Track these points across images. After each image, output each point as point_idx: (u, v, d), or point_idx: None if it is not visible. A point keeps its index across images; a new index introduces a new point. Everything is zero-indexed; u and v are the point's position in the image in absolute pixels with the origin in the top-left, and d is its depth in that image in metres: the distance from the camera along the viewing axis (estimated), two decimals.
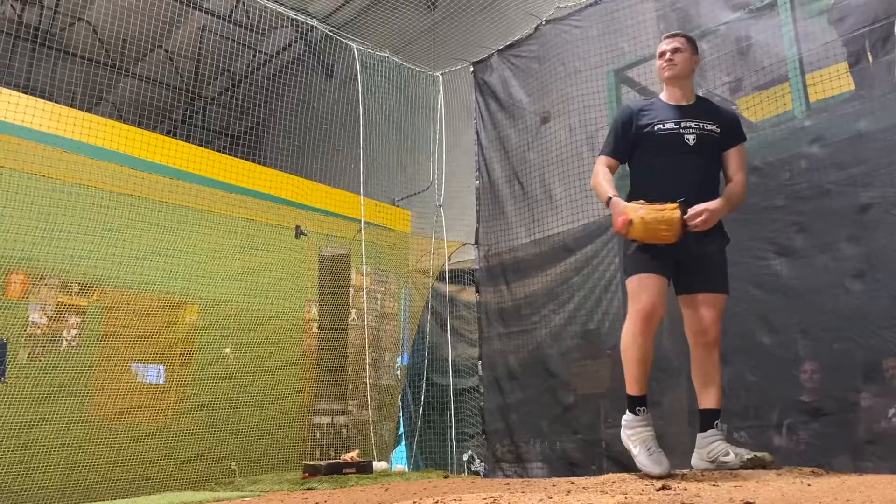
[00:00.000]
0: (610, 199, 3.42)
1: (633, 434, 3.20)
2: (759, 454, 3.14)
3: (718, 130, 3.52)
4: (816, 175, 4.14)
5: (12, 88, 6.38)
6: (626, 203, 3.35)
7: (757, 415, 4.17)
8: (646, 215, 3.25)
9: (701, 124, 3.51)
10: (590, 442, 5.13)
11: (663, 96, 3.66)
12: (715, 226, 3.44)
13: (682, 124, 3.51)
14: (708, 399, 3.29)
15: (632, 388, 3.28)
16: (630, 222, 3.26)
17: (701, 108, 3.63)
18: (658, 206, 3.27)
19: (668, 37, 3.68)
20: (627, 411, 3.29)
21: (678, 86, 3.61)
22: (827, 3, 4.36)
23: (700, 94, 4.05)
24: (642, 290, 3.32)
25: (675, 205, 3.26)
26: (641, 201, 3.31)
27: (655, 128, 3.50)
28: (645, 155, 3.53)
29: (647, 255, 3.35)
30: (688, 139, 3.48)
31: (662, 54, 3.62)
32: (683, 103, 3.60)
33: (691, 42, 3.65)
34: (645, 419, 3.23)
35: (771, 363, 4.14)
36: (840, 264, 3.96)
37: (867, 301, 3.82)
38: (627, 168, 3.74)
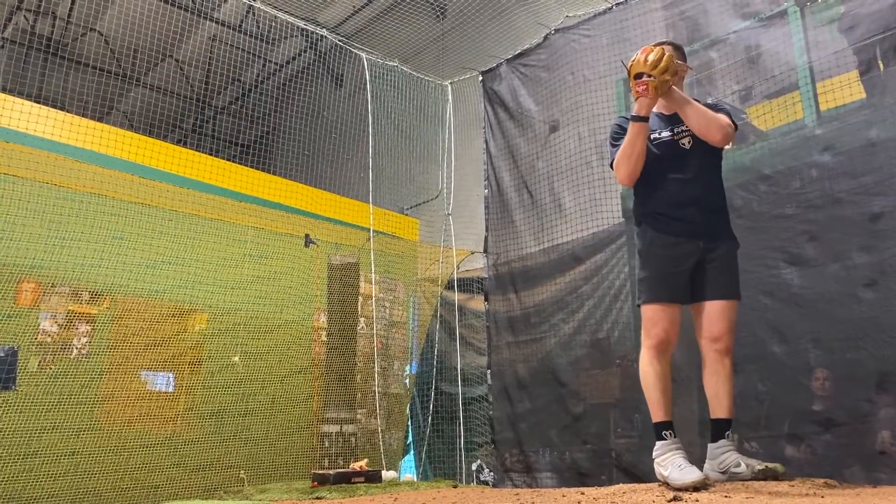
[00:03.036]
0: (635, 116, 3.36)
1: (664, 459, 3.14)
2: (770, 465, 3.10)
3: None
4: (827, 184, 4.13)
5: (25, 98, 6.43)
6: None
7: (768, 425, 4.14)
8: (634, 66, 3.29)
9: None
10: (600, 452, 5.10)
11: (654, 107, 3.65)
12: (724, 230, 3.44)
13: (676, 130, 3.50)
14: (720, 409, 3.26)
15: (656, 415, 3.26)
16: (639, 75, 3.28)
17: None
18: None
19: (655, 45, 3.68)
20: (656, 441, 3.24)
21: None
22: (837, 12, 4.35)
23: (710, 102, 4.02)
24: (655, 321, 3.31)
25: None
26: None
27: (651, 136, 3.49)
28: (645, 165, 3.48)
29: (661, 281, 3.34)
30: (683, 144, 3.47)
31: None
32: (675, 110, 3.60)
33: (679, 50, 3.64)
34: (673, 442, 3.19)
35: (782, 373, 4.11)
36: (852, 273, 3.93)
37: (879, 310, 3.80)
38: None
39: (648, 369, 3.30)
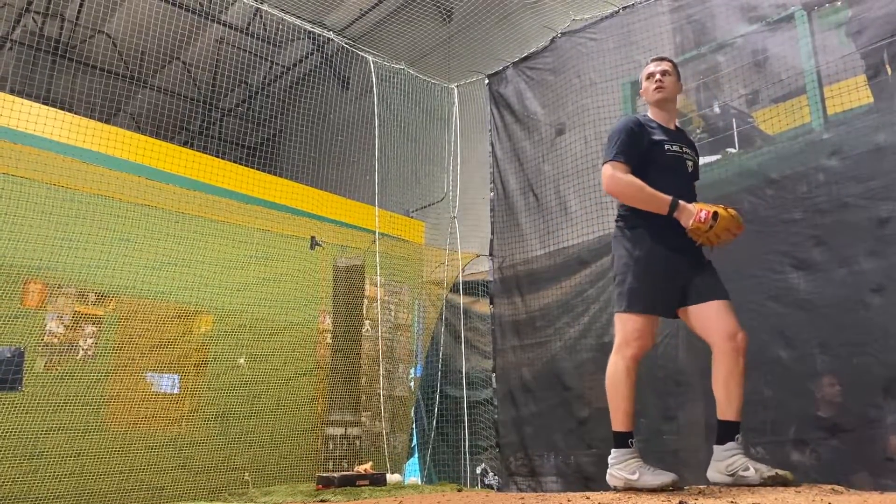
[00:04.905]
0: (677, 202, 3.29)
1: (627, 465, 3.19)
2: (780, 472, 3.07)
3: (697, 162, 3.67)
4: (835, 188, 4.11)
5: (33, 100, 6.46)
6: (693, 204, 3.32)
7: (774, 430, 4.12)
8: (723, 211, 3.27)
9: (691, 153, 3.59)
10: (605, 456, 5.06)
11: (654, 116, 3.61)
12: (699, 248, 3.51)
13: (683, 150, 3.53)
14: (729, 410, 3.22)
15: (626, 425, 3.26)
16: (716, 214, 3.24)
17: (684, 136, 3.71)
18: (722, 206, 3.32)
19: (655, 59, 3.68)
20: (617, 449, 3.25)
21: (666, 109, 3.61)
22: (845, 16, 4.34)
23: (717, 106, 4.05)
24: (637, 332, 3.28)
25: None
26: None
27: (665, 146, 3.45)
28: (651, 172, 3.38)
29: (656, 294, 3.32)
30: (688, 164, 3.54)
31: (651, 76, 3.60)
32: (672, 128, 3.61)
33: (677, 68, 3.68)
34: (636, 449, 3.24)
35: (788, 378, 4.09)
36: (859, 278, 3.92)
37: (887, 316, 3.78)
38: None
39: (624, 378, 3.26)
